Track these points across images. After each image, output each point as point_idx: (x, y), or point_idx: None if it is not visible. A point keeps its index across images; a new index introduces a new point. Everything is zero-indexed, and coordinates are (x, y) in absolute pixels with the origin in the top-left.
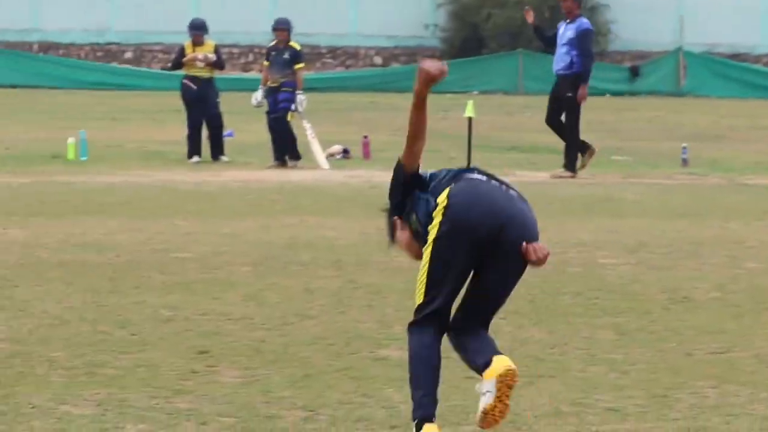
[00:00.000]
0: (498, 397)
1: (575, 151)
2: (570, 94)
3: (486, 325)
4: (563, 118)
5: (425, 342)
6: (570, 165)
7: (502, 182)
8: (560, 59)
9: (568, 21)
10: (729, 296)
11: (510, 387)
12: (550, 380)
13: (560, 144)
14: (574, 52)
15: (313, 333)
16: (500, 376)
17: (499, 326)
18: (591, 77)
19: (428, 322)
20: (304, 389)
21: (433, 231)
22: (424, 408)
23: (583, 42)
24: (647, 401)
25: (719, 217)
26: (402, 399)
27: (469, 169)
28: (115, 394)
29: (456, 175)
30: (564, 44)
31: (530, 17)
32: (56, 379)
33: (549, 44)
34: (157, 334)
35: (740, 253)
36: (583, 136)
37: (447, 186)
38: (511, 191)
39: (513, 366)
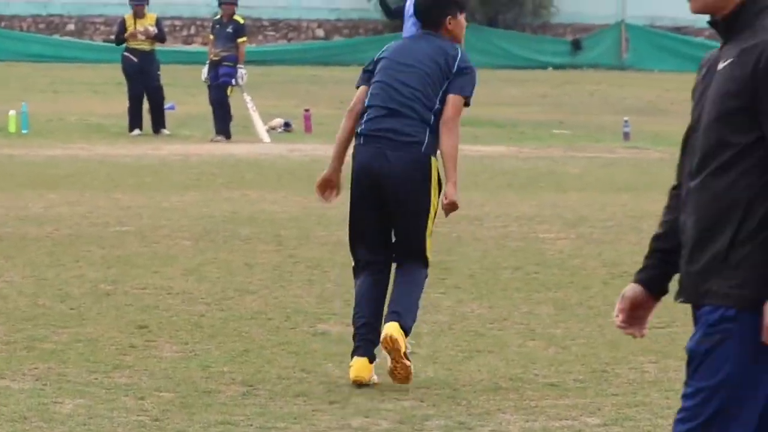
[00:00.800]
0: (393, 359)
1: None
2: None
3: (412, 256)
4: None
5: (357, 282)
6: None
7: (385, 134)
8: (408, 32)
9: None
10: None
11: (394, 350)
12: (489, 355)
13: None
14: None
15: (253, 308)
16: (383, 343)
17: (439, 301)
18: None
19: (358, 269)
20: (243, 364)
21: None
22: (357, 346)
23: None
24: (586, 376)
25: (660, 191)
26: (341, 374)
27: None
28: (54, 369)
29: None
30: (411, 16)
31: None
32: None
33: (392, 15)
34: (96, 308)
35: None
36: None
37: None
38: (395, 152)
39: (389, 333)
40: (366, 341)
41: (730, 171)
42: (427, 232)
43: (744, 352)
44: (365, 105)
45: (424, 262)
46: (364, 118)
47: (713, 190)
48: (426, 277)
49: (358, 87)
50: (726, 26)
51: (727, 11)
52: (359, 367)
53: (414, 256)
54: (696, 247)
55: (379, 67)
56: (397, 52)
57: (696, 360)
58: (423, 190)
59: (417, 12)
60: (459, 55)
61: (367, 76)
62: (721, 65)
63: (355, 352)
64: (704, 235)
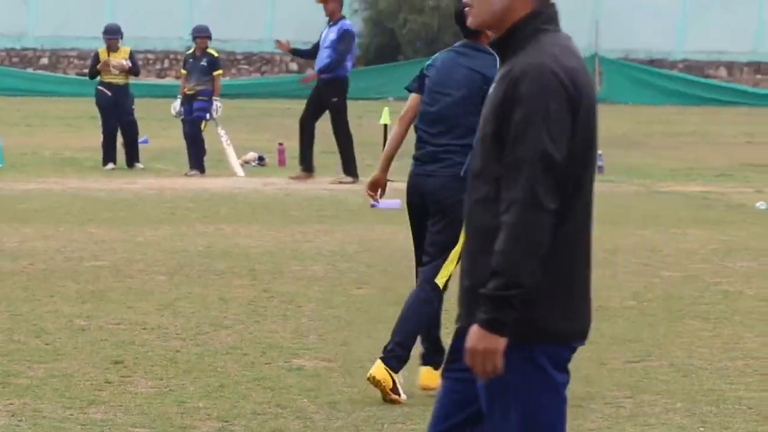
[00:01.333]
0: (382, 393)
1: (351, 154)
2: (335, 99)
3: (431, 267)
4: (323, 123)
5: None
6: (350, 169)
7: (431, 155)
8: (322, 62)
9: (330, 24)
10: (644, 305)
11: (380, 389)
12: None
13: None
14: (335, 56)
15: (228, 343)
16: (370, 380)
17: None
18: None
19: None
20: (218, 399)
21: None
22: (421, 354)
23: (341, 42)
24: None
25: (635, 224)
26: (316, 409)
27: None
28: (30, 405)
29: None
30: (326, 47)
31: (284, 47)
32: None
33: (313, 55)
34: (71, 343)
35: (655, 261)
36: None
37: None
38: (434, 171)
39: (373, 374)
40: (429, 352)
41: (490, 203)
42: (453, 251)
43: (529, 379)
44: (416, 124)
45: (436, 285)
46: (416, 140)
47: (480, 220)
48: (432, 301)
49: (409, 90)
50: (499, 46)
51: (502, 31)
52: (425, 376)
53: (433, 267)
54: (466, 272)
55: (426, 85)
56: (439, 72)
57: (488, 390)
58: (455, 208)
59: (457, 20)
60: (498, 66)
61: (416, 85)
62: (491, 88)
63: (421, 360)
64: (472, 261)
